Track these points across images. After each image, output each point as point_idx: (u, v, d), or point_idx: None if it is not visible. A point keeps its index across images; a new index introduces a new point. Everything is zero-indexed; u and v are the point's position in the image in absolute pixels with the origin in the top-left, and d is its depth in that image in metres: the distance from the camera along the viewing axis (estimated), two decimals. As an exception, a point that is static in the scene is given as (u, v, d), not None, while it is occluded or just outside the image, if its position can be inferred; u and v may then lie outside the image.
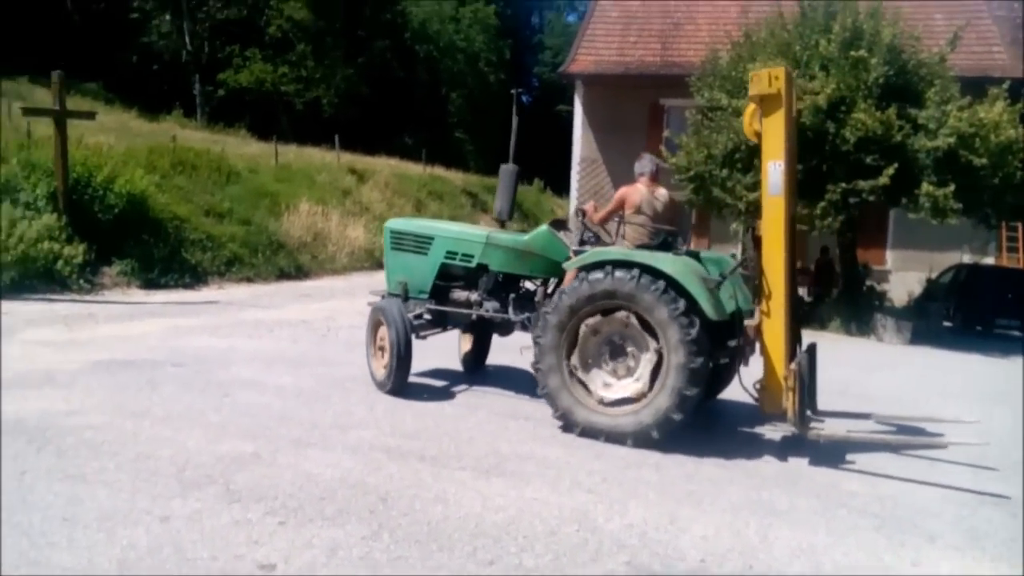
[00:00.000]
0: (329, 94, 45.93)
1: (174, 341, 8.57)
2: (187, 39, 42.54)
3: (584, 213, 6.93)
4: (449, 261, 7.14)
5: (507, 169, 6.99)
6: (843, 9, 14.87)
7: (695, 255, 6.55)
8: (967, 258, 20.92)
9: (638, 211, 6.56)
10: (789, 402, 5.59)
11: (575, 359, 6.04)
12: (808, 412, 6.06)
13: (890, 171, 13.17)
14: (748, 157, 14.71)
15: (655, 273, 5.68)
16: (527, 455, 5.40)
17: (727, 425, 6.81)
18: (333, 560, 3.66)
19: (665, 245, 6.47)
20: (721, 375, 6.77)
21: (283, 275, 16.69)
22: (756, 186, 14.44)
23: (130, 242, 13.41)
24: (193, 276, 14.22)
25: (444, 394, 7.03)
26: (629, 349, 5.98)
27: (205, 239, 15.24)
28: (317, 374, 7.38)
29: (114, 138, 20.21)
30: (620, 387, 5.96)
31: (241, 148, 25.99)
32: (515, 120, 35.78)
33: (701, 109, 16.53)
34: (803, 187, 14.20)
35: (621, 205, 6.66)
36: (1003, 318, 16.90)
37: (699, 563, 3.92)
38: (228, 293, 13.63)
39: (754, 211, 16.25)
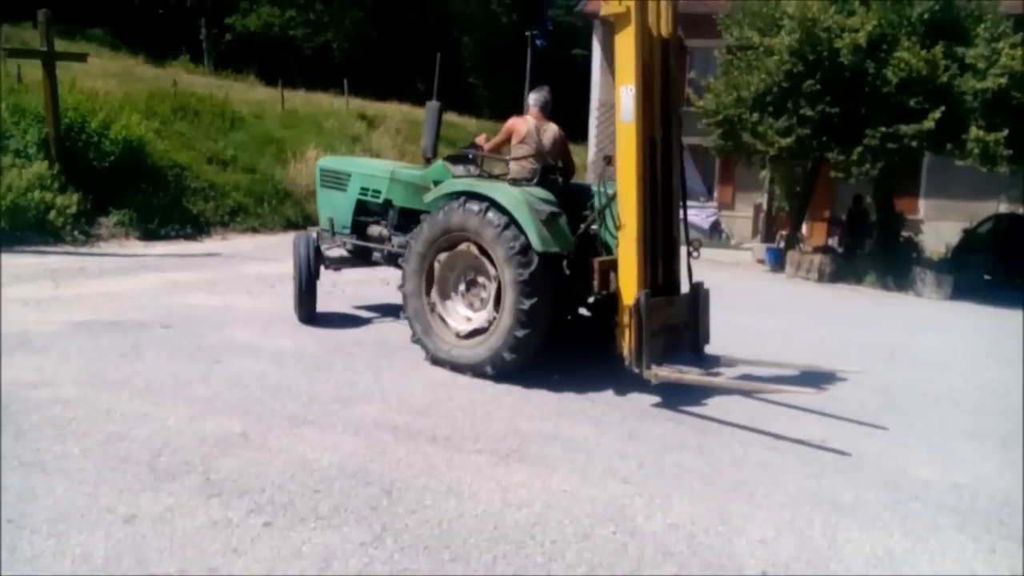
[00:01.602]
0: (338, 38, 44.71)
1: (167, 299, 7.95)
2: (192, -19, 41.32)
3: (477, 147, 6.75)
4: (363, 197, 7.34)
5: (431, 106, 6.82)
6: (886, -61, 13.82)
7: (584, 189, 6.39)
8: (1003, 208, 20.02)
9: (522, 143, 6.27)
10: (625, 340, 5.38)
11: (434, 295, 6.10)
12: (698, 355, 6.08)
13: (936, 114, 12.30)
14: (780, 99, 13.84)
15: (482, 199, 5.70)
16: (551, 435, 4.76)
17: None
18: (325, 574, 3.05)
19: (544, 178, 6.18)
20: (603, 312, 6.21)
21: (290, 225, 15.98)
22: (789, 131, 13.67)
23: (128, 191, 12.74)
24: (195, 227, 13.58)
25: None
26: (480, 281, 5.99)
27: (207, 188, 14.57)
28: (319, 336, 6.75)
29: (114, 83, 19.46)
30: (463, 318, 6.06)
31: (247, 94, 25.11)
32: (528, 61, 34.59)
33: (730, 48, 15.58)
34: (839, 132, 13.44)
35: (508, 136, 6.40)
36: (1046, 271, 16.04)
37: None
38: (232, 244, 13.00)
39: (786, 157, 15.45)
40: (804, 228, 19.51)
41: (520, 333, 5.57)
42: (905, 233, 16.48)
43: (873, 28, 12.88)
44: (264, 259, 11.37)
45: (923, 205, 21.73)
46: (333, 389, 5.32)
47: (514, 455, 4.39)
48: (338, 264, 7.55)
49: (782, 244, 17.42)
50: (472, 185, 5.94)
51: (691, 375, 5.61)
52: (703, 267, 15.84)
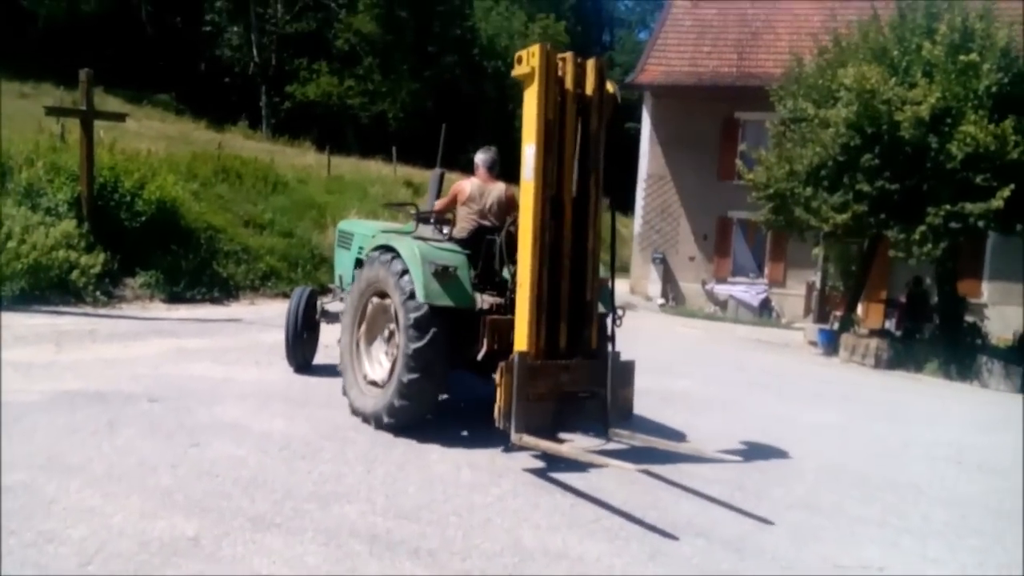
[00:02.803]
0: (395, 108, 45.42)
1: (167, 367, 7.47)
2: (255, 51, 42.49)
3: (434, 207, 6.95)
4: (359, 255, 7.37)
5: (435, 173, 7.15)
6: (950, 8, 13.23)
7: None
8: (1077, 294, 18.84)
9: (465, 204, 6.45)
10: (496, 399, 5.09)
11: (362, 345, 6.31)
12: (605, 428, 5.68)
13: (1005, 193, 11.51)
14: (836, 174, 13.15)
15: (391, 251, 5.90)
16: (557, 552, 4.05)
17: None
18: None
19: (479, 238, 6.22)
20: None
21: (324, 291, 15.58)
22: (845, 207, 12.95)
23: (157, 252, 12.50)
24: (223, 290, 13.25)
25: (467, 447, 5.72)
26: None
27: (241, 251, 14.30)
28: (316, 418, 6.14)
29: (164, 145, 19.66)
30: (383, 369, 6.10)
31: (296, 159, 25.27)
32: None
33: (783, 120, 15.00)
34: (899, 209, 12.66)
35: (454, 198, 6.54)
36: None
37: None
38: (258, 310, 12.59)
39: (842, 234, 14.66)
40: (859, 309, 18.54)
41: (398, 403, 5.63)
42: (969, 318, 15.44)
43: (936, 101, 12.19)
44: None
45: (987, 288, 20.59)
46: (314, 483, 4.69)
47: (508, 579, 3.70)
48: (333, 319, 7.66)
49: (836, 325, 16.48)
50: (388, 239, 6.14)
51: (552, 445, 5.12)
52: (751, 347, 15.08)
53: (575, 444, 5.83)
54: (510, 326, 5.42)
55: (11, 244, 10.62)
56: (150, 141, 19.57)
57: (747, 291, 21.96)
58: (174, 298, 12.18)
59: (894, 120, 12.33)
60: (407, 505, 4.49)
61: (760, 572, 4.07)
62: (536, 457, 5.54)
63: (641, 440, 5.62)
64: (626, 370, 5.72)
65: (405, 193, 24.13)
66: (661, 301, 22.15)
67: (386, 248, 6.03)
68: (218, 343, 9.15)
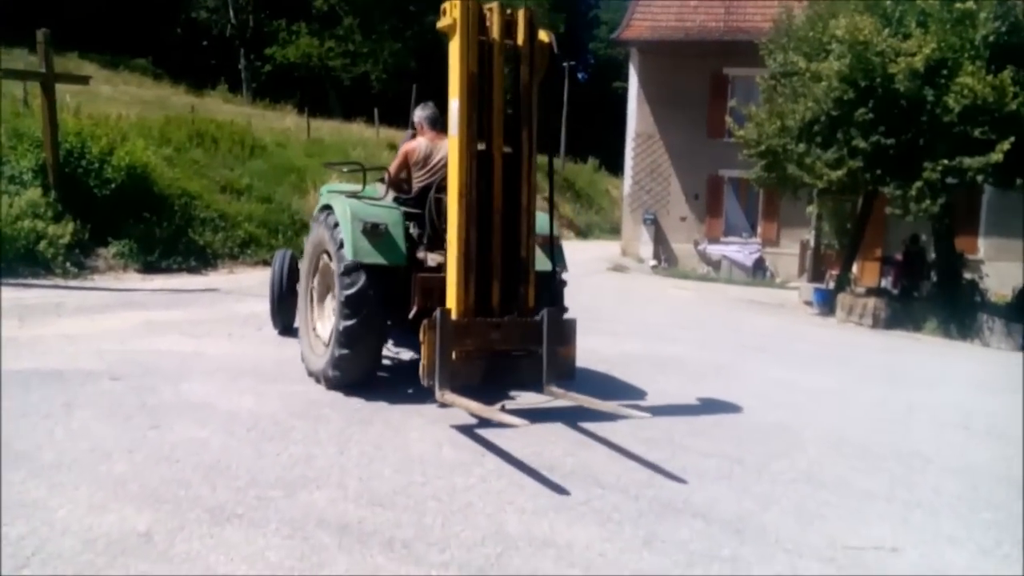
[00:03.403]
0: (377, 69, 44.64)
1: (134, 342, 7.09)
2: (231, 12, 41.49)
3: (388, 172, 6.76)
4: None
5: (407, 135, 6.94)
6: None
7: None
8: (1072, 247, 18.61)
9: (416, 164, 6.31)
10: (421, 356, 5.06)
11: (315, 303, 6.39)
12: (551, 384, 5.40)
13: (1004, 146, 11.16)
14: (829, 129, 12.76)
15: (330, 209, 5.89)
16: (544, 539, 3.73)
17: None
18: None
19: (424, 196, 6.14)
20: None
21: (306, 258, 15.23)
22: (839, 163, 12.59)
23: (130, 221, 12.07)
24: (200, 259, 12.87)
25: (449, 422, 5.38)
26: None
27: (218, 218, 13.90)
28: (289, 394, 5.79)
29: (137, 110, 19.07)
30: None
31: (276, 122, 24.68)
32: (566, 93, 34.07)
33: (774, 75, 14.58)
34: (895, 164, 12.30)
35: (405, 161, 6.38)
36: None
37: None
38: (236, 279, 12.20)
39: (836, 191, 14.32)
40: (855, 268, 18.26)
41: (331, 372, 5.72)
42: (967, 275, 15.17)
43: (932, 52, 11.80)
44: (263, 296, 10.48)
45: (983, 244, 20.35)
46: (282, 467, 4.34)
47: (490, 571, 3.37)
48: None
49: (831, 284, 16.20)
50: (328, 198, 6.12)
51: (474, 404, 4.90)
52: (745, 308, 14.80)
53: (514, 403, 5.82)
54: (442, 284, 5.37)
55: (-27, 214, 10.19)
56: (124, 106, 18.99)
57: (740, 251, 21.67)
58: (149, 268, 11.81)
59: (888, 72, 11.94)
60: (382, 489, 4.15)
61: (763, 556, 3.77)
62: (522, 433, 5.21)
63: (572, 399, 5.41)
64: (566, 328, 5.54)
65: (387, 156, 23.63)
66: (653, 263, 21.85)
67: (329, 209, 5.95)
68: (191, 315, 8.76)
